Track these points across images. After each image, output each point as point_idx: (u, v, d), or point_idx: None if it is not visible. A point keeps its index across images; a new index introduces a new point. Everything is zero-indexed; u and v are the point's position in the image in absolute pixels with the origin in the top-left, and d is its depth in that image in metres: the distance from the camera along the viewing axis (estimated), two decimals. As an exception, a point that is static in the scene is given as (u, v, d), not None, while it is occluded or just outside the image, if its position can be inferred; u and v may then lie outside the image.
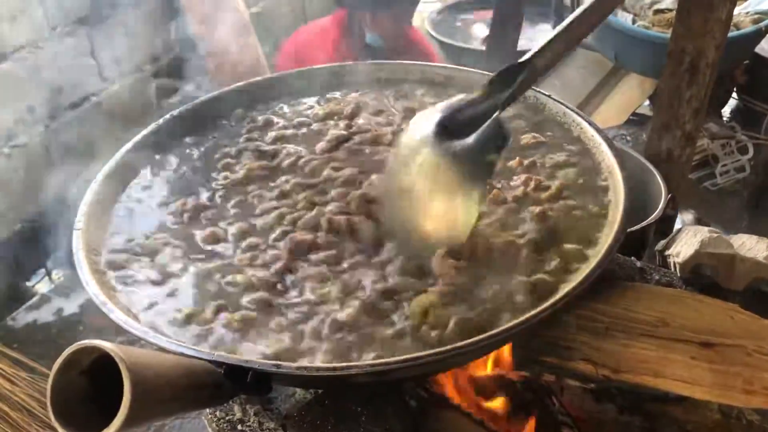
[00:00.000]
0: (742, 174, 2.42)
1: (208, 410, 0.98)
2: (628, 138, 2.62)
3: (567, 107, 1.15)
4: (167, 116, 1.20)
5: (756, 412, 1.01)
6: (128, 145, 1.13)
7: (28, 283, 2.30)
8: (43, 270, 2.32)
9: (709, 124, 2.41)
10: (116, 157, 1.10)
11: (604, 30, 2.28)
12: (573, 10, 2.44)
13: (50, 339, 2.07)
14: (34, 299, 2.20)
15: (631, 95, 2.48)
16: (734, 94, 2.78)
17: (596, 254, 0.89)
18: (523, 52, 0.93)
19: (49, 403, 0.61)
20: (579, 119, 1.13)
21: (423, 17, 3.31)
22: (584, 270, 0.87)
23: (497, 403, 1.04)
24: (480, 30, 3.14)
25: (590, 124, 1.11)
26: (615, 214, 0.94)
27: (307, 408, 0.91)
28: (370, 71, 1.34)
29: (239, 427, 0.96)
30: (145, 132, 1.16)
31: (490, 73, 0.97)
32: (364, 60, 1.47)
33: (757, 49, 2.48)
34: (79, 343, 0.62)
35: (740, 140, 2.40)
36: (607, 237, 0.91)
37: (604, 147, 1.06)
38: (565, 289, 0.84)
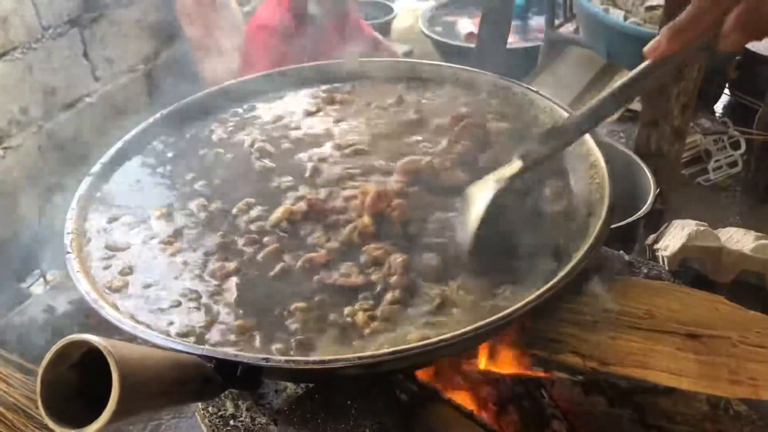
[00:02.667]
0: (734, 169, 2.43)
1: (200, 406, 0.99)
2: (621, 134, 2.63)
3: (554, 103, 1.16)
4: (157, 115, 1.20)
5: (743, 402, 1.02)
6: (119, 144, 1.14)
7: (23, 285, 2.30)
8: (37, 271, 2.33)
9: (701, 120, 2.43)
10: (108, 155, 1.11)
11: (596, 27, 2.30)
12: (565, 6, 2.46)
13: (45, 340, 2.07)
14: (29, 300, 2.20)
15: (623, 92, 2.48)
16: (726, 90, 2.79)
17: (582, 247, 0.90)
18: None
19: (39, 397, 0.62)
20: (566, 115, 1.13)
21: (417, 15, 3.32)
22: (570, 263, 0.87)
23: (487, 397, 1.04)
24: (464, 26, 3.14)
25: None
26: (601, 208, 0.95)
27: (297, 402, 0.92)
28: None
29: (231, 422, 0.96)
30: (135, 131, 1.17)
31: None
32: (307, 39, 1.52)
33: (748, 45, 2.50)
34: (68, 337, 0.62)
35: (732, 136, 2.41)
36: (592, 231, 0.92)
37: (590, 141, 1.06)
38: (551, 281, 0.85)
